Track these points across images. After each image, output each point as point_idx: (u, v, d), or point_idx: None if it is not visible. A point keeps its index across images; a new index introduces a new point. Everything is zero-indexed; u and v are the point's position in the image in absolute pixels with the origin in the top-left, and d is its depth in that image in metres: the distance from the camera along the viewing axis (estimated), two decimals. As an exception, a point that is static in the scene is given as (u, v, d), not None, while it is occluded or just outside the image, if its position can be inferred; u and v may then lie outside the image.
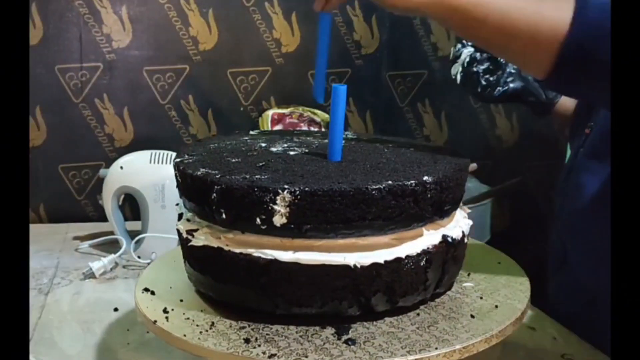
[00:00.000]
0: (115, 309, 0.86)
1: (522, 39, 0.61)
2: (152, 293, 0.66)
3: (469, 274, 0.71)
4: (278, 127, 1.16)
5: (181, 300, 0.65)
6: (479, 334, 0.58)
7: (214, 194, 0.59)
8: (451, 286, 0.67)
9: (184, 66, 1.31)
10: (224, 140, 0.74)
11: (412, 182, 0.58)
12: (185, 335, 0.57)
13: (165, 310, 0.62)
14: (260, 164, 0.63)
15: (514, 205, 1.51)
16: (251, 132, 0.80)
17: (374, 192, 0.56)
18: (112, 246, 1.09)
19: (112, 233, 1.10)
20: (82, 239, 1.16)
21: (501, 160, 1.47)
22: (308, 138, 0.76)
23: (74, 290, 0.95)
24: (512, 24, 0.61)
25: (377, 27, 1.38)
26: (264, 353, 0.54)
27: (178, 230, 0.67)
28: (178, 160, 0.66)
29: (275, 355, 0.54)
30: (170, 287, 0.68)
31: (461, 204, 0.68)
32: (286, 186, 0.56)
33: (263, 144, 0.72)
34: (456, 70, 0.97)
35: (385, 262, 0.58)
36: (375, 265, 0.58)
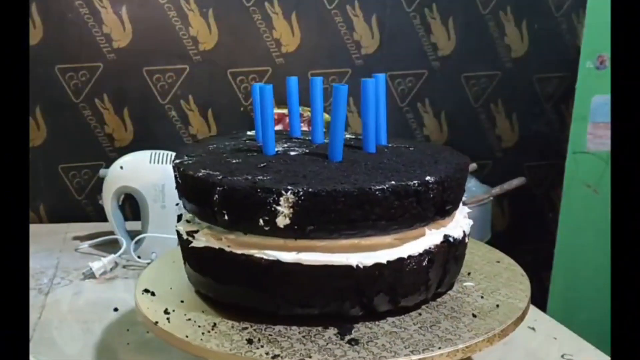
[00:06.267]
0: (115, 309, 0.86)
1: None
2: (153, 294, 0.66)
3: (469, 274, 0.71)
4: (278, 127, 1.16)
5: (182, 301, 0.65)
6: (482, 333, 0.58)
7: (216, 196, 0.58)
8: (452, 286, 0.67)
9: (184, 66, 1.31)
10: (222, 141, 0.74)
11: (415, 182, 0.58)
12: (187, 337, 0.57)
13: (166, 312, 0.62)
14: (262, 165, 0.62)
15: (514, 205, 1.51)
16: (248, 133, 0.80)
17: (377, 192, 0.56)
18: (112, 246, 1.09)
19: (112, 233, 1.10)
20: (82, 239, 1.16)
21: (501, 160, 1.47)
22: (307, 138, 0.76)
23: (73, 290, 0.95)
24: None
25: (377, 27, 1.37)
26: (267, 354, 0.54)
27: (178, 232, 0.67)
28: (178, 161, 0.65)
29: (278, 355, 0.54)
30: (171, 288, 0.68)
31: (462, 203, 0.68)
32: (289, 187, 0.55)
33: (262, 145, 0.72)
34: None
35: (388, 262, 0.58)
36: (377, 265, 0.58)
